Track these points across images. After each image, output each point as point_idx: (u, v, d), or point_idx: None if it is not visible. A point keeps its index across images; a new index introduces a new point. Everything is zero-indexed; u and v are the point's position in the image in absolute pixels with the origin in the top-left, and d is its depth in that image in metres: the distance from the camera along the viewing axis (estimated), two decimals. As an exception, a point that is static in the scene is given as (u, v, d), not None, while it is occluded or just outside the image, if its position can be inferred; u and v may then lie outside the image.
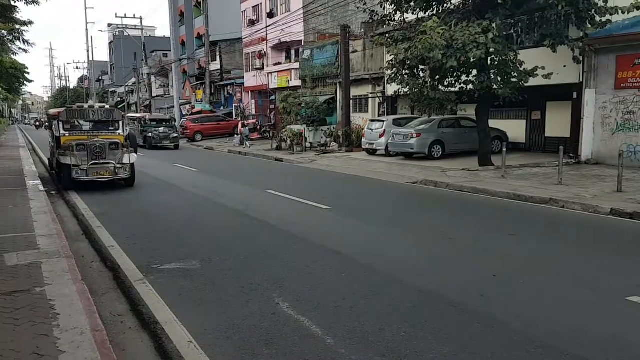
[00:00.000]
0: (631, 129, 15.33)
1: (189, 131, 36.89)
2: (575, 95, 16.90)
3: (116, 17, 76.93)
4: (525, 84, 15.40)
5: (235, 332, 4.85)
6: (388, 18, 17.21)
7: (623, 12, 13.72)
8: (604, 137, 16.14)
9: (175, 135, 31.25)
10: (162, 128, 31.07)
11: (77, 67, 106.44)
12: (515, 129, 20.42)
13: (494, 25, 14.07)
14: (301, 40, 34.63)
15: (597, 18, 14.22)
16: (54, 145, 15.51)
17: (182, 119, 41.31)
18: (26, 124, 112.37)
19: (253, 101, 42.39)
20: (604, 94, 15.99)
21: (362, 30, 29.13)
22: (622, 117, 15.55)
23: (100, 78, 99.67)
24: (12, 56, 31.29)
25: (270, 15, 37.66)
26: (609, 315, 5.17)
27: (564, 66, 16.16)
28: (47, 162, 20.39)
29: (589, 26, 14.38)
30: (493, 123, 18.29)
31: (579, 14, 13.71)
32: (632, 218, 9.43)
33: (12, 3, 18.16)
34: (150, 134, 30.57)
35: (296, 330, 4.85)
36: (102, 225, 9.58)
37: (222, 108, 46.39)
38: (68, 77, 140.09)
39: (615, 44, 15.38)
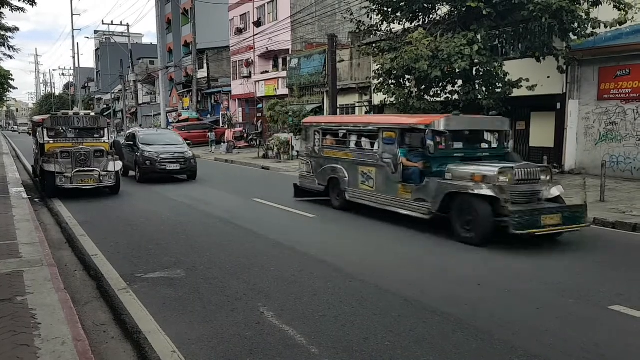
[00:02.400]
0: (614, 139, 15.56)
1: (175, 139, 36.72)
2: (558, 105, 17.11)
3: (103, 24, 76.70)
4: (510, 95, 15.58)
5: (219, 342, 4.82)
6: (375, 28, 17.33)
7: (606, 26, 13.95)
8: (587, 148, 16.35)
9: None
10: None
11: (63, 74, 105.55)
12: (500, 138, 20.58)
13: (478, 37, 14.23)
14: (288, 49, 34.75)
15: (580, 31, 14.43)
16: (37, 153, 15.35)
17: (169, 127, 41.15)
18: (13, 131, 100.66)
19: (240, 109, 42.37)
20: (587, 105, 16.22)
21: (349, 40, 29.28)
22: (605, 127, 15.78)
23: (86, 85, 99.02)
24: (-4, 63, 30.97)
25: (258, 24, 37.75)
26: (592, 324, 5.22)
27: (548, 77, 16.37)
28: (30, 169, 20.16)
29: (574, 37, 14.60)
30: (478, 133, 18.41)
31: (563, 26, 13.91)
32: (614, 227, 9.56)
33: (-3, 9, 18.01)
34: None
35: (281, 340, 4.83)
36: (85, 234, 9.49)
37: (209, 116, 46.29)
38: (53, 83, 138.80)
39: (598, 55, 15.63)
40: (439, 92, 16.22)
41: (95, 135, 14.73)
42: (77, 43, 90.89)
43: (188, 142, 25.35)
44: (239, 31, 40.46)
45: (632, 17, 13.66)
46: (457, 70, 14.19)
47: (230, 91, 43.13)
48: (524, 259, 7.64)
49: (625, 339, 4.85)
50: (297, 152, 26.38)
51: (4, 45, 21.92)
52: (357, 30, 18.24)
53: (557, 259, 7.68)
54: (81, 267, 7.53)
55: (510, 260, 7.56)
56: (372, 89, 19.88)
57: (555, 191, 8.98)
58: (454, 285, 6.40)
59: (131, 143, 18.35)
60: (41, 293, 5.76)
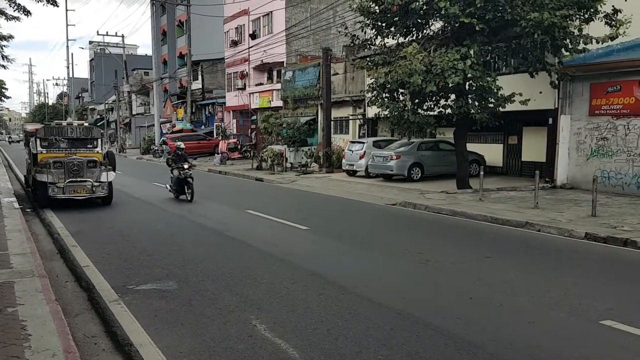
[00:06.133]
0: (605, 154, 15.68)
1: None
2: (550, 121, 17.26)
3: (98, 34, 76.70)
4: (502, 109, 15.70)
5: (210, 355, 4.79)
6: (369, 42, 17.44)
7: (598, 42, 14.13)
8: (578, 162, 16.47)
9: None
10: None
11: (57, 84, 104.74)
12: (492, 152, 20.74)
13: (472, 52, 14.37)
14: (283, 62, 34.89)
15: (573, 47, 14.60)
16: (30, 162, 15.30)
17: (162, 138, 41.12)
18: (11, 142, 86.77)
19: (234, 121, 42.40)
20: (579, 120, 16.37)
21: (344, 53, 29.46)
22: (596, 143, 15.91)
23: (80, 95, 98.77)
24: (-10, 71, 30.87)
25: (253, 36, 37.93)
26: (584, 338, 5.24)
27: (540, 92, 16.54)
28: (23, 179, 20.05)
29: (566, 53, 14.77)
30: (471, 147, 18.55)
31: (555, 42, 14.08)
32: (606, 242, 9.60)
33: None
34: None
35: (273, 353, 4.81)
36: (77, 244, 9.44)
37: (203, 127, 46.28)
38: (47, 93, 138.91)
39: (589, 72, 15.80)
40: (432, 106, 16.34)
41: (89, 146, 14.71)
42: (72, 53, 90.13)
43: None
44: (234, 43, 40.61)
45: (624, 32, 13.82)
46: (451, 85, 14.32)
47: (224, 103, 43.19)
48: (515, 273, 7.66)
49: (616, 354, 4.87)
50: (291, 163, 26.45)
51: (-2, 55, 21.87)
52: (352, 44, 18.37)
53: (548, 273, 7.71)
54: (72, 278, 7.49)
55: (502, 275, 7.59)
56: (366, 102, 19.99)
57: None
58: (447, 299, 6.41)
59: None
60: (32, 304, 5.72)
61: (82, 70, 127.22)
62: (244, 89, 39.41)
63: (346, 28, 17.44)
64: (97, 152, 14.69)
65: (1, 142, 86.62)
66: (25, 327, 5.05)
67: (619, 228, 10.32)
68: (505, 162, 20.77)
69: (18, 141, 79.80)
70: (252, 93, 38.38)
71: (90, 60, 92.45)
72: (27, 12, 16.43)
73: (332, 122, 26.17)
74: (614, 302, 6.29)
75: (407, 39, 16.60)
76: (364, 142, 22.25)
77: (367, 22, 16.70)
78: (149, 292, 6.67)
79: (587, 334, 5.36)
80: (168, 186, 16.10)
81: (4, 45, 22.05)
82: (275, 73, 37.25)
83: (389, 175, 19.99)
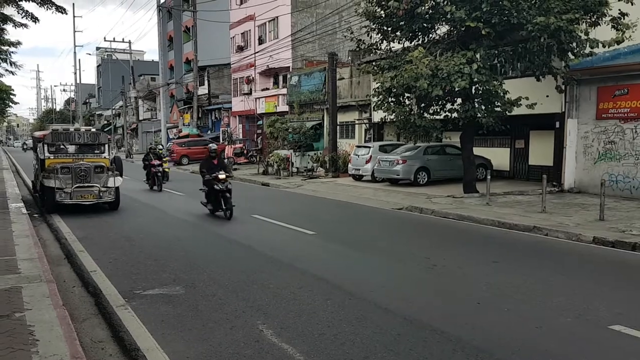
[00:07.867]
0: (612, 158, 15.60)
1: (175, 154, 36.90)
2: (557, 124, 17.20)
3: (105, 40, 77.20)
4: (509, 113, 15.66)
5: (218, 360, 4.79)
6: (374, 47, 17.47)
7: (604, 46, 14.08)
8: (586, 166, 16.39)
9: None
10: None
11: (64, 90, 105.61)
12: (499, 156, 20.68)
13: (478, 56, 14.35)
14: (289, 67, 34.98)
15: (579, 51, 14.55)
16: (38, 168, 15.38)
17: (169, 143, 41.28)
18: (25, 148, 68.34)
19: (240, 126, 42.53)
20: (586, 124, 16.30)
21: (349, 58, 29.52)
22: (604, 146, 15.83)
23: (87, 101, 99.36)
24: (-1, 78, 31.13)
25: (259, 41, 38.07)
26: (592, 344, 5.20)
27: (547, 96, 16.48)
28: (30, 184, 20.17)
29: (572, 57, 14.72)
30: (477, 151, 18.51)
31: (561, 46, 14.04)
32: (614, 247, 9.54)
33: (0, 26, 18.18)
34: None
35: (280, 358, 4.80)
36: (84, 250, 9.47)
37: (209, 132, 46.43)
38: (54, 99, 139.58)
39: (596, 75, 15.75)
40: (438, 110, 16.33)
41: (96, 151, 14.78)
42: (79, 59, 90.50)
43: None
44: (240, 49, 40.78)
45: (630, 36, 13.77)
46: (457, 89, 14.30)
47: (230, 108, 43.35)
48: (523, 278, 7.62)
49: (625, 359, 4.83)
50: (297, 168, 26.48)
51: (5, 61, 22.07)
52: (357, 49, 18.39)
53: (555, 277, 7.66)
54: (80, 283, 7.51)
55: (510, 280, 7.54)
56: (372, 106, 20.01)
57: None
58: (454, 304, 6.38)
59: None
60: (39, 309, 5.74)
61: (89, 76, 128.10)
62: (250, 94, 39.54)
63: (352, 33, 17.48)
64: (105, 157, 14.76)
65: (12, 149, 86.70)
66: (32, 332, 5.07)
67: (627, 232, 10.25)
68: (512, 166, 20.70)
69: (31, 148, 76.87)
70: (258, 98, 38.51)
71: (98, 66, 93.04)
72: (35, 19, 16.55)
73: (338, 127, 26.19)
74: (623, 307, 6.24)
75: (413, 43, 16.60)
76: (370, 147, 22.25)
77: (373, 26, 16.73)
78: (155, 297, 6.68)
79: (596, 339, 5.32)
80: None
81: (12, 52, 22.25)
82: (281, 78, 37.36)
83: (395, 180, 19.97)
